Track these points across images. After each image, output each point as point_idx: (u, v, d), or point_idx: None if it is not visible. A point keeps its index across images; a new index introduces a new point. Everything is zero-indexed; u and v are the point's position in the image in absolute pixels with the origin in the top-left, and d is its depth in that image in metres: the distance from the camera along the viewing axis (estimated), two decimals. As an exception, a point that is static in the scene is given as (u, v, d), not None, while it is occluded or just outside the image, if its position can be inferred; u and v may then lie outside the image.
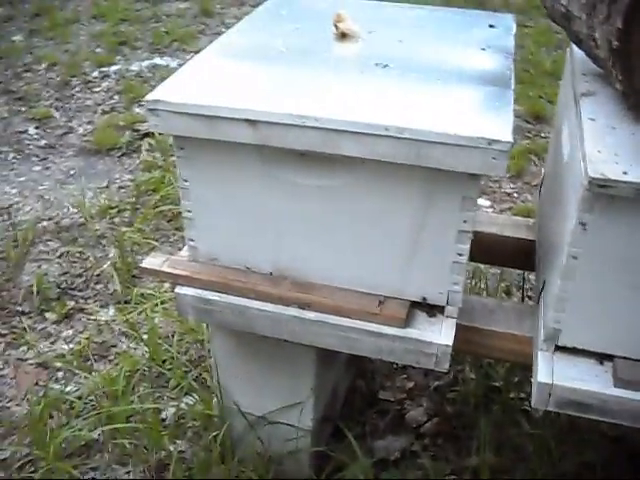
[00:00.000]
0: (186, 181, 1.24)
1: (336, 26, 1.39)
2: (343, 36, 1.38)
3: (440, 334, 1.18)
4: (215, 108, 1.11)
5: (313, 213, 1.19)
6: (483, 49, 1.35)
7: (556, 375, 1.10)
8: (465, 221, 1.12)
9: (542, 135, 3.07)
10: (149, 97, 1.15)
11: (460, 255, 1.15)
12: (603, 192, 0.97)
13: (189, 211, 1.27)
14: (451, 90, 1.18)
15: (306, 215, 1.20)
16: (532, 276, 1.83)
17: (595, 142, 1.05)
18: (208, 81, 1.22)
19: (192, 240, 1.30)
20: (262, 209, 1.22)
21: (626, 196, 0.96)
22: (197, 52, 4.34)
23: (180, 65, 4.14)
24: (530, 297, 1.92)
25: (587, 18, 1.13)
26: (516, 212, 2.51)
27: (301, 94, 1.17)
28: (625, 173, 0.96)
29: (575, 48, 1.34)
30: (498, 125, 1.04)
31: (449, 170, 1.05)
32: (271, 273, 1.28)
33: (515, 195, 2.68)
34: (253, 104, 1.10)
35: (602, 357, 1.13)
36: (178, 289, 1.30)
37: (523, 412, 1.67)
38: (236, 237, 1.27)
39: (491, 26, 1.48)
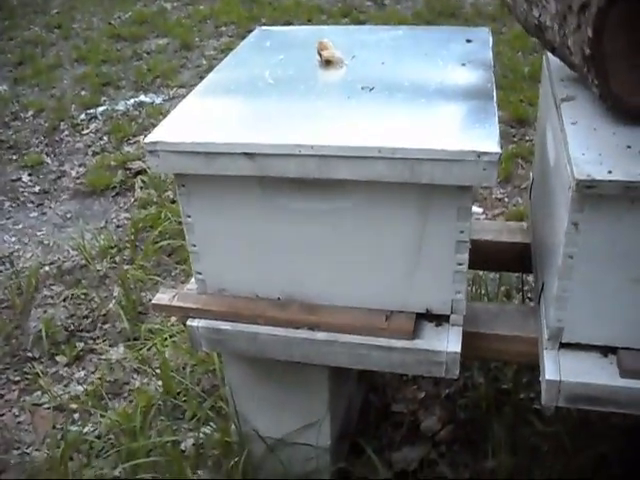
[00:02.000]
0: (189, 217, 1.27)
1: (320, 54, 1.43)
2: (327, 63, 1.42)
3: (448, 342, 1.22)
4: (213, 144, 1.15)
5: (315, 237, 1.23)
6: (463, 64, 1.39)
7: (563, 371, 1.14)
8: (462, 231, 1.15)
9: (527, 138, 3.12)
10: (147, 139, 1.19)
11: (460, 265, 1.18)
12: (591, 192, 1.01)
13: (194, 245, 1.30)
14: (437, 107, 1.22)
15: (309, 240, 1.23)
16: (530, 278, 1.86)
17: (579, 145, 1.09)
18: (203, 119, 1.26)
19: (200, 273, 1.33)
20: (266, 237, 1.25)
21: (613, 194, 1.01)
22: (181, 86, 4.35)
23: (165, 101, 4.15)
24: (530, 299, 1.96)
25: (559, 28, 1.17)
26: (509, 216, 2.55)
27: (294, 124, 1.21)
28: (610, 172, 1.01)
29: (551, 55, 1.39)
30: (485, 137, 1.09)
31: (442, 184, 1.09)
32: (279, 298, 1.31)
33: (506, 200, 2.72)
34: (249, 137, 1.15)
35: (606, 350, 1.16)
36: (189, 322, 1.33)
37: (535, 412, 1.70)
38: (242, 267, 1.30)
39: (468, 41, 1.52)
